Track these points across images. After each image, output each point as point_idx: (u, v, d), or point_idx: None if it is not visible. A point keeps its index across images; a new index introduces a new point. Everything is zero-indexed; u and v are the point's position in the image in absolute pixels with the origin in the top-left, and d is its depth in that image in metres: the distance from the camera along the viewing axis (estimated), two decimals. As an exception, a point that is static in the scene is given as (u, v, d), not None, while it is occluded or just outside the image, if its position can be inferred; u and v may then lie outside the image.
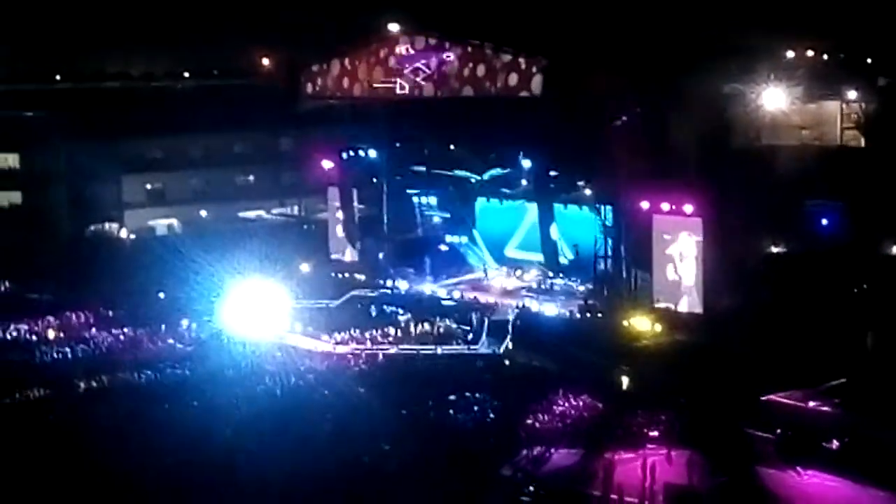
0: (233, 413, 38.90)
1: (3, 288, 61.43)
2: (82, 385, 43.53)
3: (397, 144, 60.58)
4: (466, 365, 44.89)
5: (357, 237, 61.12)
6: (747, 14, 54.03)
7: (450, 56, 54.55)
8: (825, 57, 55.22)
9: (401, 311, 52.45)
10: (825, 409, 36.57)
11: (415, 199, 62.00)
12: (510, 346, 46.50)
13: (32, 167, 74.82)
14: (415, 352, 46.45)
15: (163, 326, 50.98)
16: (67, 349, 48.65)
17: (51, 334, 51.34)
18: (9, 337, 51.43)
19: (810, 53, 55.12)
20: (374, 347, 47.44)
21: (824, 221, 48.02)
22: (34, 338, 51.06)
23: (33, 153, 74.48)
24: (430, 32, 55.98)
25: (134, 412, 39.41)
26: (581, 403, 39.91)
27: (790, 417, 36.41)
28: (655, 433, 37.10)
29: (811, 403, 36.84)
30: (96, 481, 33.68)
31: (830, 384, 37.79)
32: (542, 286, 54.57)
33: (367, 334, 49.39)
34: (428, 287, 55.97)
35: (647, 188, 48.03)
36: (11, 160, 75.47)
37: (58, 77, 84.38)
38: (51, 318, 53.11)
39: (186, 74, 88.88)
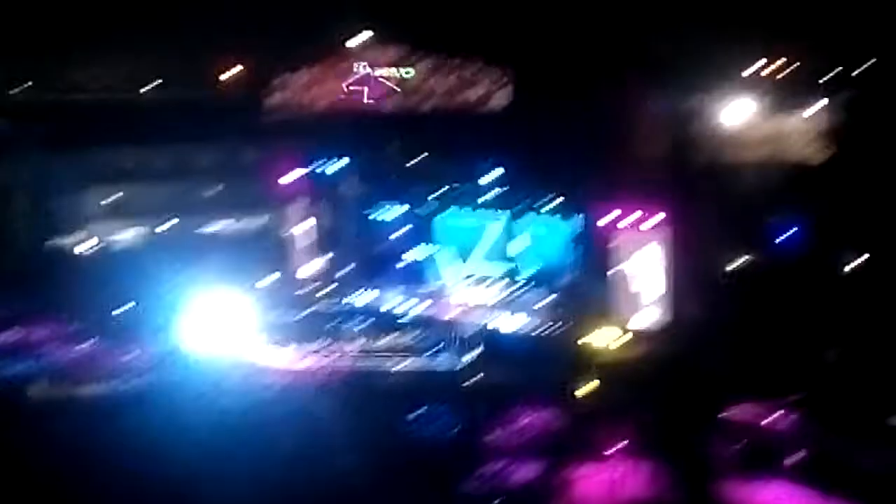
0: (193, 428, 38.47)
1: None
2: (38, 399, 43.03)
3: (361, 157, 60.40)
4: (429, 379, 44.74)
5: (320, 251, 60.87)
6: (708, 28, 54.24)
7: (415, 68, 54.51)
8: (787, 71, 55.49)
9: (364, 325, 52.29)
10: (788, 421, 36.68)
11: (378, 213, 61.80)
12: (474, 360, 46.38)
13: (-8, 179, 74.13)
14: (377, 366, 46.23)
15: (124, 340, 50.52)
16: (26, 363, 48.08)
17: (8, 348, 50.80)
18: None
19: (772, 67, 55.39)
20: (337, 362, 47.18)
21: (787, 235, 48.22)
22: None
23: (-6, 165, 73.83)
24: (395, 44, 55.95)
25: (91, 427, 39.00)
26: (545, 417, 39.81)
27: (752, 430, 36.50)
28: (620, 446, 37.03)
29: (773, 416, 36.94)
30: (49, 500, 33.31)
31: (792, 397, 37.92)
32: (507, 299, 54.47)
33: (329, 348, 49.19)
34: (391, 301, 55.79)
35: (612, 201, 48.11)
36: (-28, 172, 74.82)
37: (20, 87, 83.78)
38: (8, 332, 52.58)
39: (150, 86, 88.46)
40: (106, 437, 37.62)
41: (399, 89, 54.88)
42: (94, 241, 74.18)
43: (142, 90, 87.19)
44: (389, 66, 55.35)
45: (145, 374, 45.89)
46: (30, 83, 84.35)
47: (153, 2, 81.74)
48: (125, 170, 77.97)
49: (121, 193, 77.27)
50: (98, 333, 51.65)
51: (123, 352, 49.20)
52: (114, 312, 54.60)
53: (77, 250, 73.48)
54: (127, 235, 75.81)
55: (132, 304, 54.60)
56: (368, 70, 56.16)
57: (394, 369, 45.81)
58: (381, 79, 55.69)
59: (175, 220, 76.72)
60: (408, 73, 54.49)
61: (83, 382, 44.97)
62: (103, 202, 76.91)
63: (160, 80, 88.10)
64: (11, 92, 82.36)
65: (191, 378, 44.71)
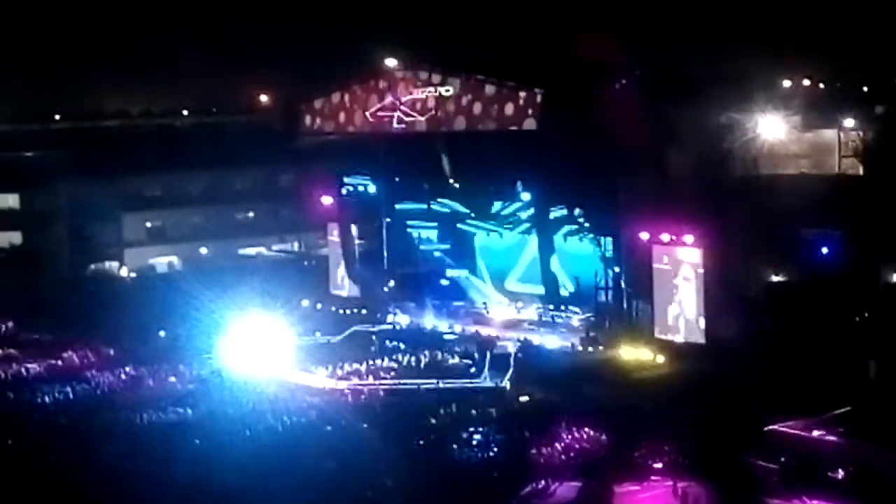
0: (235, 451, 38.63)
1: (3, 328, 61.31)
2: (83, 425, 43.27)
3: (396, 179, 60.69)
4: (469, 399, 44.72)
5: (357, 272, 61.13)
6: (744, 44, 54.30)
7: (447, 90, 54.69)
8: (822, 85, 55.49)
9: (402, 345, 52.41)
10: (829, 437, 36.47)
11: (414, 234, 62.05)
12: (512, 380, 46.40)
13: (32, 207, 74.95)
14: (417, 386, 46.30)
15: (164, 365, 50.80)
16: (68, 389, 48.43)
17: (51, 374, 51.19)
18: (9, 377, 51.28)
19: (807, 82, 55.39)
20: (376, 382, 47.28)
21: (824, 250, 48.01)
22: (34, 378, 50.90)
23: (33, 193, 74.66)
24: (426, 66, 56.19)
25: (135, 452, 39.19)
26: (585, 435, 39.74)
27: (794, 447, 36.28)
28: (660, 464, 36.94)
29: (815, 432, 36.73)
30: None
31: (834, 413, 37.71)
32: (543, 319, 54.56)
33: (368, 369, 49.32)
34: (429, 321, 55.93)
35: (646, 219, 48.13)
36: (12, 200, 75.68)
37: (57, 116, 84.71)
38: (51, 359, 53.01)
39: (185, 112, 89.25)
40: (150, 460, 37.82)
41: (432, 111, 55.05)
42: (134, 266, 74.90)
43: (179, 117, 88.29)
44: (422, 88, 55.55)
45: (187, 398, 46.10)
46: (68, 111, 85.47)
47: (188, 31, 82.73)
48: (163, 196, 78.78)
49: (159, 219, 78.18)
50: (139, 358, 52.01)
51: (165, 376, 49.54)
52: (154, 337, 55.08)
53: (116, 276, 74.17)
54: (166, 260, 76.55)
55: (172, 328, 55.05)
56: (401, 93, 56.38)
57: (434, 388, 45.84)
58: (413, 101, 55.88)
59: (213, 245, 77.40)
60: (442, 93, 54.64)
61: (125, 407, 45.18)
62: (142, 228, 77.80)
63: (196, 107, 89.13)
64: (49, 120, 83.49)
65: (232, 400, 44.90)
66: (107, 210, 74.24)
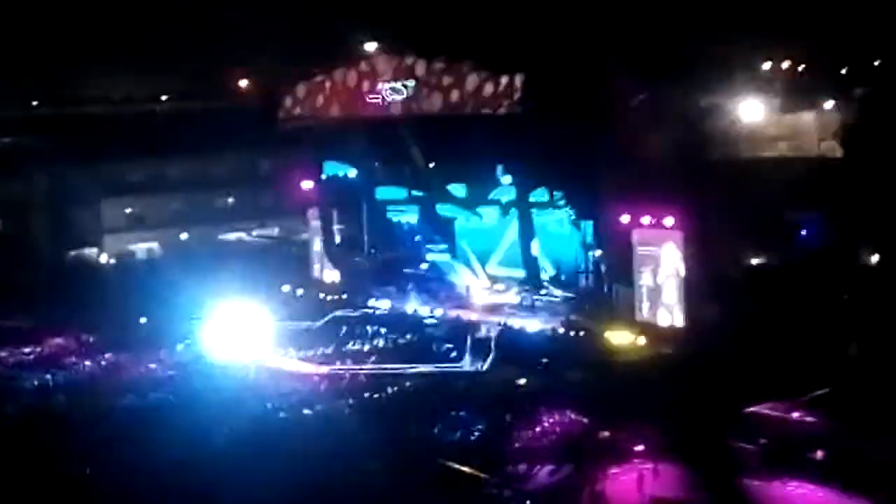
0: (217, 436, 38.59)
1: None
2: (64, 411, 43.17)
3: (376, 164, 60.58)
4: (450, 382, 44.77)
5: (338, 258, 61.07)
6: (722, 26, 54.28)
7: (426, 73, 54.56)
8: (801, 68, 55.52)
9: (383, 330, 52.40)
10: (809, 419, 36.59)
11: (395, 219, 61.97)
12: (493, 363, 46.42)
13: (11, 194, 74.60)
14: (398, 370, 46.30)
15: (144, 351, 50.69)
16: (48, 375, 48.29)
17: (31, 361, 51.04)
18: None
19: (787, 64, 55.43)
20: (358, 367, 47.28)
21: (804, 232, 48.19)
22: (14, 364, 50.72)
23: (11, 179, 74.28)
24: (405, 51, 56.06)
25: (117, 437, 39.12)
26: (566, 419, 39.80)
27: (774, 428, 36.39)
28: (641, 447, 36.99)
29: (795, 414, 36.85)
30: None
31: (814, 394, 37.84)
32: (525, 302, 54.53)
33: (349, 354, 49.32)
34: (410, 306, 55.92)
35: (626, 202, 48.13)
36: (-10, 186, 75.35)
37: (35, 102, 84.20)
38: (31, 345, 52.83)
39: (164, 98, 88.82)
40: (130, 446, 37.76)
41: (412, 96, 54.93)
42: (114, 252, 74.67)
43: (158, 102, 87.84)
44: (401, 73, 55.41)
45: (168, 383, 46.04)
46: (46, 98, 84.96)
47: (168, 16, 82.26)
48: (143, 181, 78.54)
49: (139, 205, 77.93)
50: (119, 344, 51.89)
51: (145, 362, 49.44)
52: (134, 323, 54.93)
53: (96, 262, 73.95)
54: (146, 246, 76.34)
55: (153, 314, 54.89)
56: (380, 78, 56.24)
57: (415, 372, 45.86)
58: (393, 86, 55.75)
59: (193, 230, 77.25)
60: (422, 78, 54.50)
61: (105, 393, 45.08)
62: (121, 214, 77.53)
63: (176, 93, 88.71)
64: (28, 106, 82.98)
65: (213, 386, 44.83)
66: (86, 196, 74.00)
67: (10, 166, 73.61)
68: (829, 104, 51.33)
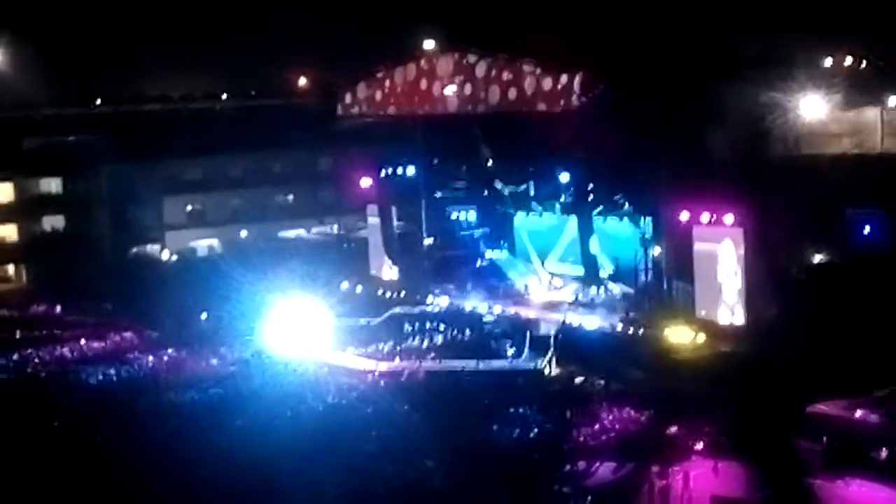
0: (276, 432, 38.90)
1: (47, 311, 61.98)
2: (127, 406, 43.72)
3: (435, 161, 60.69)
4: (509, 380, 44.79)
5: (397, 254, 61.21)
6: (784, 22, 53.85)
7: (486, 71, 54.53)
8: (863, 64, 54.89)
9: (442, 326, 52.52)
10: (872, 418, 36.26)
11: (454, 215, 62.01)
12: (553, 360, 46.41)
13: (75, 191, 75.71)
14: (457, 368, 46.39)
15: (205, 347, 51.21)
16: (112, 371, 48.95)
17: (95, 356, 51.75)
18: (53, 359, 51.86)
19: (848, 61, 54.81)
20: (416, 364, 47.44)
21: (866, 229, 47.62)
22: (78, 360, 51.47)
23: (75, 177, 75.39)
24: (465, 48, 56.05)
25: (178, 432, 39.58)
26: (625, 416, 39.75)
27: (837, 427, 36.11)
28: (701, 445, 36.88)
29: (858, 413, 36.52)
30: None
31: (877, 393, 37.51)
32: (583, 299, 54.39)
33: (408, 351, 49.48)
34: (469, 303, 55.96)
35: (686, 199, 47.84)
36: (54, 185, 76.45)
37: (98, 101, 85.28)
38: (95, 341, 53.58)
39: (224, 96, 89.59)
40: (193, 440, 38.15)
41: (471, 93, 54.93)
42: (174, 249, 75.47)
43: (218, 100, 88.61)
44: (461, 71, 55.43)
45: (228, 379, 46.46)
46: (108, 95, 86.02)
47: (228, 15, 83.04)
48: (203, 179, 79.28)
49: (199, 202, 78.67)
50: (180, 340, 52.45)
51: (206, 358, 49.93)
52: (195, 319, 55.47)
53: (158, 258, 74.76)
54: (206, 243, 77.06)
55: (214, 310, 55.41)
56: (440, 75, 56.30)
57: (474, 370, 45.92)
58: (452, 83, 55.78)
59: (253, 227, 77.87)
60: (481, 75, 54.47)
61: (168, 389, 45.60)
62: (182, 211, 78.34)
63: (236, 90, 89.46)
64: (90, 105, 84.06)
65: (272, 382, 45.18)
66: (148, 193, 74.87)
67: (72, 164, 74.60)
68: (891, 100, 50.65)
